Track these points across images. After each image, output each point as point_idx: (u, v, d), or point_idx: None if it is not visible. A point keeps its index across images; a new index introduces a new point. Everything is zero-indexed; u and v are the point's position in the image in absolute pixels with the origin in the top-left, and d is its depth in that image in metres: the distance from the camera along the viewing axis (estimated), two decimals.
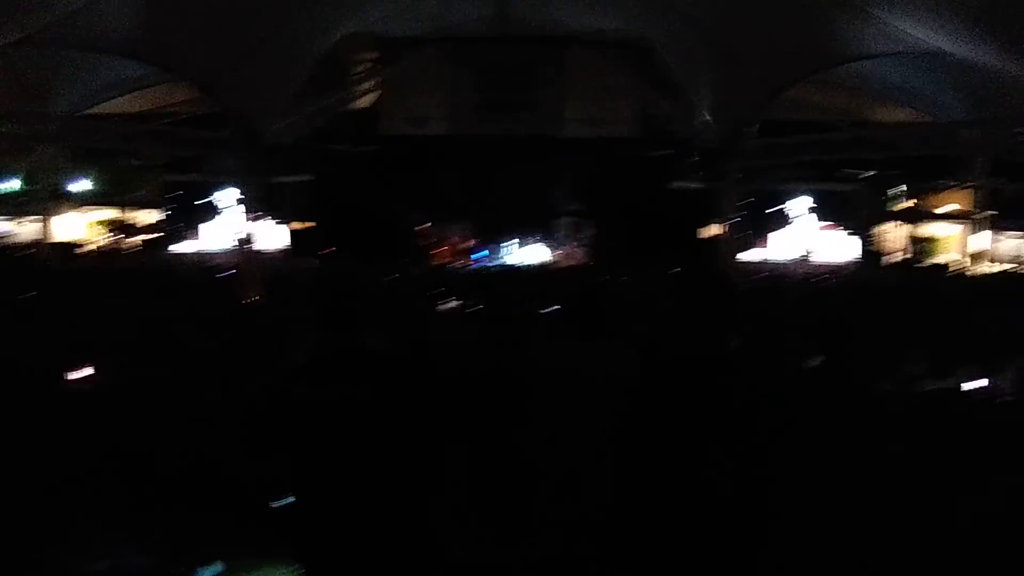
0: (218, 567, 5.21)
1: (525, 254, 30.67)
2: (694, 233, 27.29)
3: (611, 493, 2.84)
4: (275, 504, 3.23)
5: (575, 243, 31.81)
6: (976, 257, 25.61)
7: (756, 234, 28.36)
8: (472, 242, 31.52)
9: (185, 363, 7.64)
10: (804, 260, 27.60)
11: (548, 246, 31.13)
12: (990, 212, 27.66)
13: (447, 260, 29.59)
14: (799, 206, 28.00)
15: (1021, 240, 29.85)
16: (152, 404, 6.68)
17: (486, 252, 30.61)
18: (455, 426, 3.75)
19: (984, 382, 7.70)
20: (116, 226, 29.54)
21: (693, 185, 24.94)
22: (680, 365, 2.85)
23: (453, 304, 12.49)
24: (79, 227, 29.67)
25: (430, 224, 31.52)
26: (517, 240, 31.03)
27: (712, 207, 24.32)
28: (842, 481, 4.24)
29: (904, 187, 30.94)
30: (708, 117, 22.41)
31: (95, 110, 23.47)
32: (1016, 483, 4.27)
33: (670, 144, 24.69)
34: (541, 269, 27.54)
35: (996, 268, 27.51)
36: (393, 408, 2.72)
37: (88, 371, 7.88)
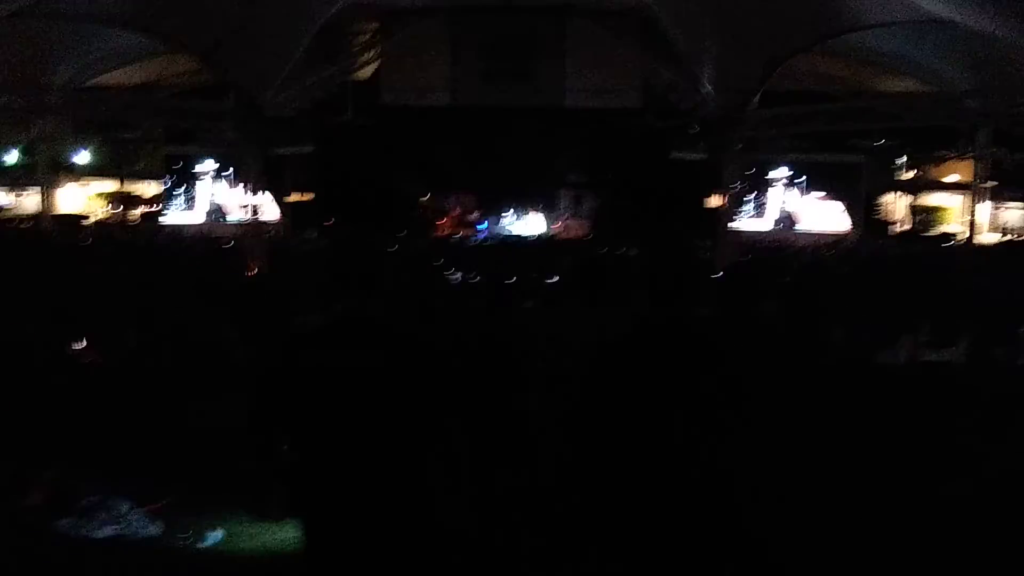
0: (219, 534, 5.29)
1: (526, 226, 30.69)
2: (695, 204, 27.28)
3: (599, 457, 2.89)
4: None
5: (576, 214, 31.82)
6: (977, 227, 25.54)
7: (757, 205, 28.44)
8: (474, 214, 31.53)
9: (191, 335, 7.70)
10: (806, 231, 27.69)
11: (549, 218, 31.14)
12: (991, 183, 27.62)
13: (448, 232, 29.61)
14: (791, 176, 28.08)
15: (1021, 210, 29.85)
16: (159, 374, 6.76)
17: (486, 224, 30.63)
18: (455, 394, 3.80)
19: (984, 352, 7.76)
20: (116, 198, 29.58)
21: (694, 156, 24.86)
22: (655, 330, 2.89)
23: (455, 275, 12.57)
24: (79, 199, 29.70)
25: (431, 195, 31.50)
26: (518, 212, 31.04)
27: (714, 178, 24.28)
28: (817, 450, 4.30)
29: (905, 158, 30.93)
30: (710, 87, 22.29)
31: (95, 82, 23.36)
32: (1003, 454, 4.33)
33: (672, 115, 24.57)
34: (542, 241, 27.58)
35: (997, 238, 27.53)
36: (398, 375, 2.76)
37: (86, 343, 7.96)
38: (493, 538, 4.29)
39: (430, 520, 2.92)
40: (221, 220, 27.78)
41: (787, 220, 28.18)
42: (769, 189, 28.37)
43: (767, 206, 28.43)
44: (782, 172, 27.97)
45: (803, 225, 27.96)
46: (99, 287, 12.19)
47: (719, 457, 2.72)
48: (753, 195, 28.21)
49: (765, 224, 28.17)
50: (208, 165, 27.74)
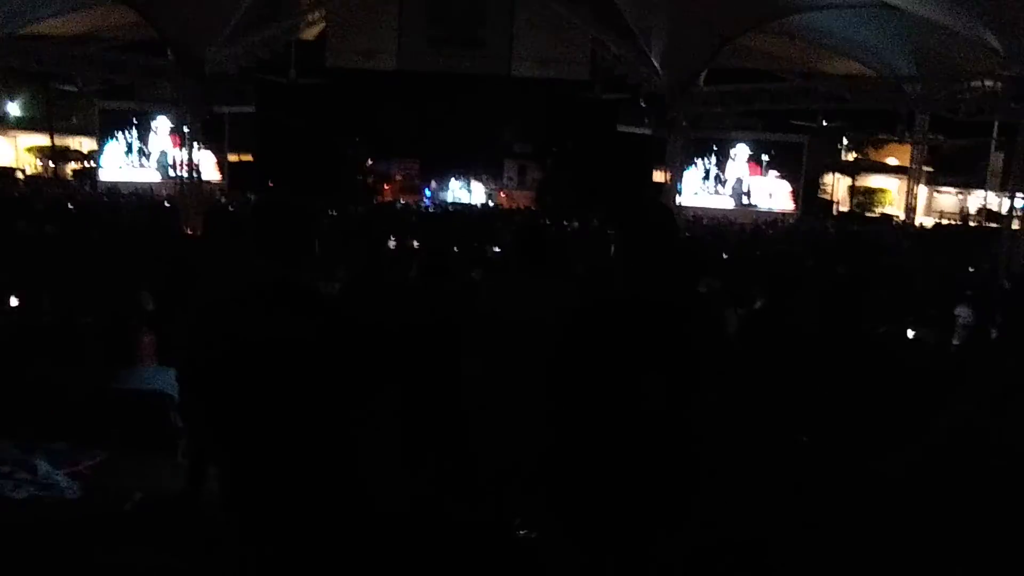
0: (138, 495, 5.14)
1: (470, 194, 30.57)
2: (639, 178, 27.40)
3: (549, 434, 2.83)
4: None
5: (520, 184, 31.78)
6: (914, 210, 26.03)
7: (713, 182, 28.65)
8: (417, 180, 31.30)
9: (120, 297, 7.48)
10: (748, 208, 27.99)
11: (493, 187, 31.05)
12: (928, 167, 28.17)
13: (392, 198, 29.34)
14: (740, 154, 28.31)
15: (956, 195, 30.57)
16: (81, 337, 6.55)
17: (429, 192, 30.43)
18: (391, 368, 3.70)
19: (920, 329, 7.89)
20: (48, 153, 28.71)
21: (640, 130, 24.92)
22: (618, 305, 2.83)
23: (395, 243, 12.40)
24: (9, 153, 28.80)
25: (374, 161, 31.16)
26: (462, 180, 30.88)
27: (659, 153, 24.39)
28: (775, 422, 4.31)
29: (846, 140, 31.42)
30: (658, 62, 22.29)
31: (27, 31, 22.47)
32: (945, 427, 4.38)
33: (619, 88, 24.56)
34: (486, 210, 27.48)
35: (932, 221, 28.15)
36: (328, 346, 2.65)
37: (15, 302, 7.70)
38: (427, 521, 4.22)
39: (362, 502, 2.83)
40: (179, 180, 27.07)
41: (737, 197, 28.52)
42: (726, 166, 28.56)
43: (724, 183, 28.64)
44: (742, 149, 28.20)
45: (763, 204, 28.34)
46: (30, 246, 11.82)
47: (682, 424, 2.68)
48: (703, 171, 28.42)
49: (721, 202, 28.44)
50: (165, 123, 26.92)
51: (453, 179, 30.82)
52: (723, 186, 28.55)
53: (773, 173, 28.41)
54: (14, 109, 27.88)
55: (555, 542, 2.94)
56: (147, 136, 27.30)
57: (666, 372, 2.66)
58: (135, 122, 26.92)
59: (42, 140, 28.81)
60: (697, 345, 2.75)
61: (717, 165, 28.30)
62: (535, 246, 4.15)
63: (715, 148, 27.77)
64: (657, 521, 2.71)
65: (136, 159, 27.31)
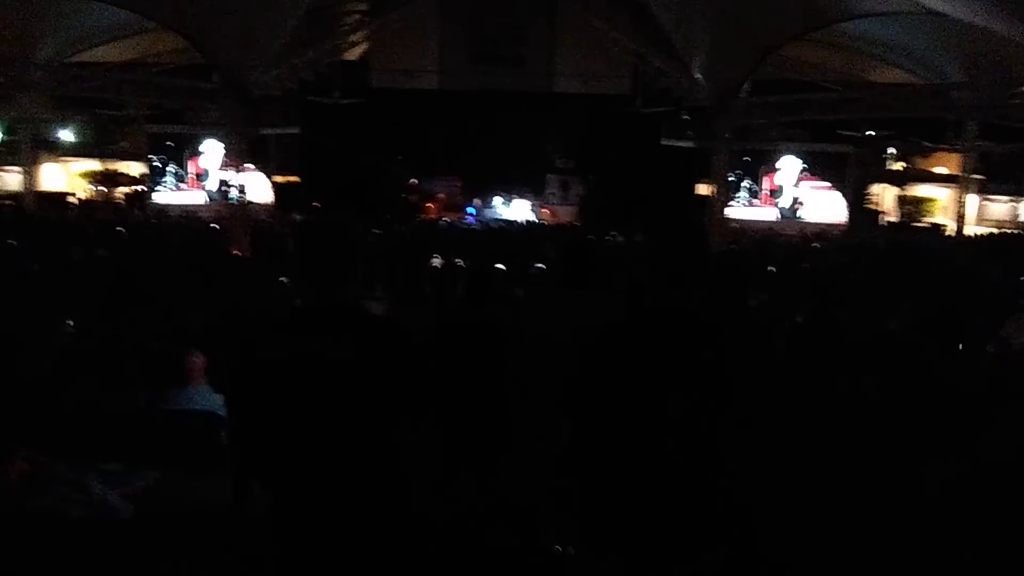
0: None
1: (513, 211, 30.53)
2: (684, 192, 27.24)
3: (572, 449, 2.82)
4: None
5: (563, 200, 31.69)
6: (965, 220, 25.54)
7: (747, 193, 28.40)
8: (460, 198, 31.36)
9: (170, 319, 7.60)
10: (795, 220, 27.69)
11: (536, 203, 30.99)
12: (979, 175, 27.63)
13: (435, 216, 29.42)
14: (789, 166, 28.03)
15: (1008, 203, 29.90)
16: (134, 358, 6.65)
17: (473, 209, 30.47)
18: (434, 384, 3.71)
19: (972, 342, 7.72)
20: (99, 178, 29.26)
21: (683, 143, 24.79)
22: (643, 321, 2.81)
23: (439, 261, 12.45)
24: (63, 178, 29.39)
25: (418, 179, 31.31)
26: (505, 197, 30.86)
27: (703, 166, 24.24)
28: (811, 433, 4.24)
29: (893, 149, 30.92)
30: (700, 74, 22.18)
31: (79, 58, 23.04)
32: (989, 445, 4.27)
33: (661, 101, 24.46)
34: (529, 226, 27.44)
35: (985, 230, 27.57)
36: (373, 363, 2.66)
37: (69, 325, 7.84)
38: (469, 533, 4.21)
39: (405, 514, 2.83)
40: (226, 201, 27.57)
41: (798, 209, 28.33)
42: (775, 177, 28.33)
43: (757, 195, 28.40)
44: (793, 162, 27.95)
45: (810, 215, 28.10)
46: (83, 268, 12.06)
47: (712, 443, 2.64)
48: (748, 183, 28.21)
49: (765, 213, 28.19)
50: (214, 146, 27.34)
51: (496, 196, 30.84)
52: (757, 198, 28.31)
53: (815, 184, 28.13)
54: (66, 135, 28.48)
55: (588, 558, 2.91)
56: (183, 159, 27.83)
57: (692, 388, 2.63)
58: (170, 144, 27.48)
59: (93, 165, 29.39)
60: (729, 359, 2.72)
61: (750, 175, 28.06)
62: (580, 262, 4.14)
63: (747, 159, 27.47)
64: (687, 539, 2.68)
65: (172, 182, 27.84)
